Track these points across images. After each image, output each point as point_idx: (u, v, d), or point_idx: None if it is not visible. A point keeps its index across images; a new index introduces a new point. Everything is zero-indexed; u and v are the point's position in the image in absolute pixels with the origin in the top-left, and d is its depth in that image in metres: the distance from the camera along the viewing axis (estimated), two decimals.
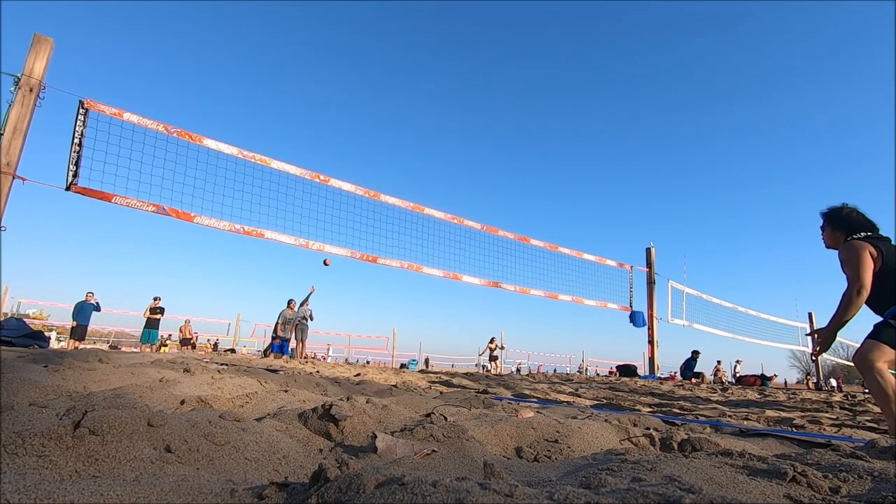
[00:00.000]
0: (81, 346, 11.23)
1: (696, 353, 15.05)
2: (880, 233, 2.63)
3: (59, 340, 17.14)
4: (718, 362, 19.03)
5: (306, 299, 11.95)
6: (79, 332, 11.87)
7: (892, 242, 2.56)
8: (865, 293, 2.44)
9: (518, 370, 23.55)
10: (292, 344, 12.27)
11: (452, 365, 26.69)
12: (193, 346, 17.12)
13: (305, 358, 11.36)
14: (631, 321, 10.51)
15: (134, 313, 18.27)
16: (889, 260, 2.47)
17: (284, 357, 10.52)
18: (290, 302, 12.09)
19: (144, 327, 12.88)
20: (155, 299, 12.89)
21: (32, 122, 4.43)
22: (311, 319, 11.98)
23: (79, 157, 4.69)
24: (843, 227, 2.66)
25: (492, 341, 16.75)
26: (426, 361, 25.86)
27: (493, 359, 16.40)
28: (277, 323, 11.92)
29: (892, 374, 2.40)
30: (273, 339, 11.95)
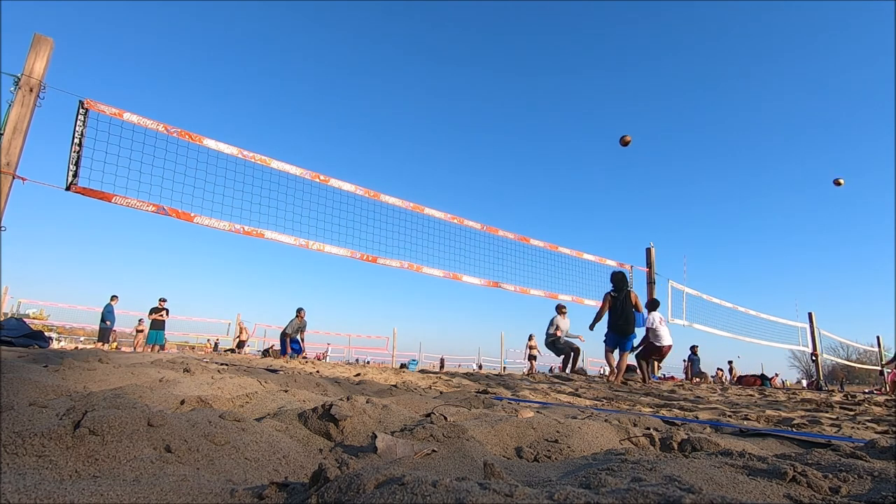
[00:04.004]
0: (81, 347, 11.26)
1: (694, 348, 15.18)
2: (625, 287, 6.87)
3: (59, 340, 17.13)
4: (718, 370, 19.55)
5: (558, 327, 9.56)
6: (108, 335, 12.06)
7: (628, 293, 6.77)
8: (598, 317, 6.93)
9: (550, 370, 23.82)
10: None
11: (459, 365, 26.73)
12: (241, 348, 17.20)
13: (308, 360, 11.42)
14: None
15: (134, 313, 18.26)
16: (615, 304, 6.72)
17: (284, 357, 10.55)
18: (299, 311, 12.12)
19: (149, 328, 12.91)
20: (161, 300, 12.90)
21: (32, 122, 4.43)
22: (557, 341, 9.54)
23: (79, 157, 4.68)
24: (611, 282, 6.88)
25: (530, 339, 15.08)
26: (441, 362, 25.82)
27: (531, 358, 14.91)
28: (286, 332, 12.01)
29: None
30: (283, 343, 12.07)
